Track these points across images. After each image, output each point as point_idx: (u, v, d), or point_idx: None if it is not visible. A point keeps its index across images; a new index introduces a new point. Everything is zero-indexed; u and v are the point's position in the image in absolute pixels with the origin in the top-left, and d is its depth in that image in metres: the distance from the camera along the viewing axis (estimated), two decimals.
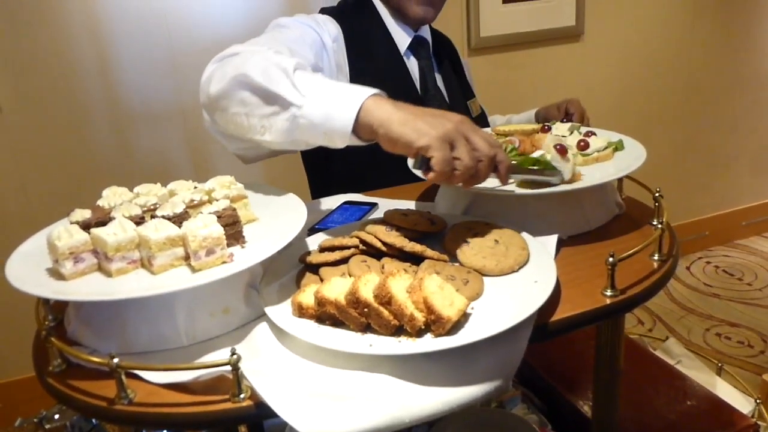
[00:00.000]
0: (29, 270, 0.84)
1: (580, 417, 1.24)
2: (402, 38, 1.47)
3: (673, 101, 3.24)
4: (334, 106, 0.90)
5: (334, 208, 1.22)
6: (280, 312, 0.82)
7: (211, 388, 0.74)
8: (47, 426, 1.00)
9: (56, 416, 1.01)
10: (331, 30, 1.37)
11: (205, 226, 0.82)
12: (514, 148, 1.08)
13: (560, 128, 1.16)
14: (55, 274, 0.83)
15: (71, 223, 0.89)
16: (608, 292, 0.85)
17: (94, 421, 1.03)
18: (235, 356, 0.70)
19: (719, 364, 1.52)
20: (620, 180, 1.16)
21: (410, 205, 1.19)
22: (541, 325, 0.80)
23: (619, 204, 1.10)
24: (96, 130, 2.37)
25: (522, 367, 1.37)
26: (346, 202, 1.24)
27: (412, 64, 1.48)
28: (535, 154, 1.03)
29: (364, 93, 0.90)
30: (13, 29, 2.18)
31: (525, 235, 0.95)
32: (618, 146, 1.11)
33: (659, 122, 3.24)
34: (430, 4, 1.44)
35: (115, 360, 0.71)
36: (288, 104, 0.93)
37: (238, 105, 0.99)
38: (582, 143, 1.07)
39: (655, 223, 1.02)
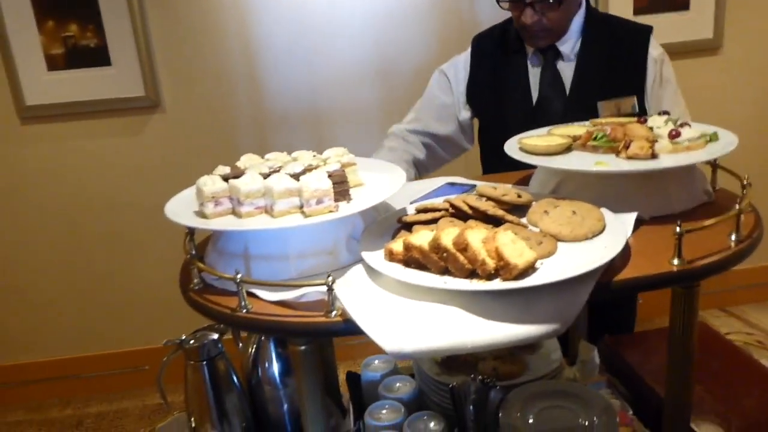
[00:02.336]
0: (182, 210, 1.06)
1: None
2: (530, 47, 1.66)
3: None
4: None
5: (437, 186, 1.35)
6: (374, 256, 0.96)
7: (311, 307, 0.90)
8: (186, 346, 1.21)
9: (192, 341, 1.23)
10: (459, 75, 1.75)
11: (317, 180, 0.99)
12: (605, 135, 1.15)
13: (656, 120, 1.21)
14: (200, 214, 1.04)
15: (214, 175, 1.09)
16: (675, 261, 0.90)
17: (220, 346, 1.23)
18: (330, 278, 0.85)
19: None
20: (714, 171, 1.18)
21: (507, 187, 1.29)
22: (604, 283, 0.87)
23: (707, 192, 1.13)
24: (240, 130, 2.73)
25: (612, 357, 1.41)
26: (448, 183, 1.36)
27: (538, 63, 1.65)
28: None
29: None
30: (179, 40, 2.59)
31: (603, 210, 1.02)
32: (712, 138, 1.14)
33: None
34: (537, 38, 1.60)
35: (239, 275, 0.89)
36: None
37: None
38: (674, 132, 1.12)
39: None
